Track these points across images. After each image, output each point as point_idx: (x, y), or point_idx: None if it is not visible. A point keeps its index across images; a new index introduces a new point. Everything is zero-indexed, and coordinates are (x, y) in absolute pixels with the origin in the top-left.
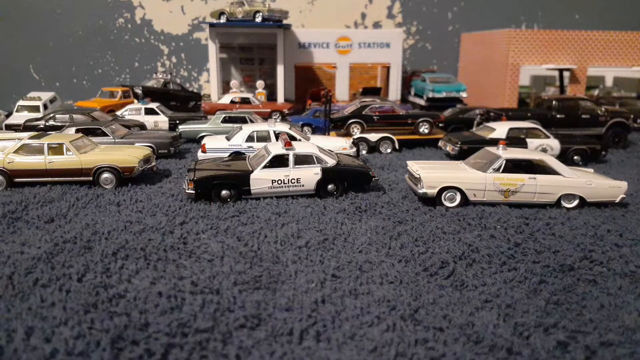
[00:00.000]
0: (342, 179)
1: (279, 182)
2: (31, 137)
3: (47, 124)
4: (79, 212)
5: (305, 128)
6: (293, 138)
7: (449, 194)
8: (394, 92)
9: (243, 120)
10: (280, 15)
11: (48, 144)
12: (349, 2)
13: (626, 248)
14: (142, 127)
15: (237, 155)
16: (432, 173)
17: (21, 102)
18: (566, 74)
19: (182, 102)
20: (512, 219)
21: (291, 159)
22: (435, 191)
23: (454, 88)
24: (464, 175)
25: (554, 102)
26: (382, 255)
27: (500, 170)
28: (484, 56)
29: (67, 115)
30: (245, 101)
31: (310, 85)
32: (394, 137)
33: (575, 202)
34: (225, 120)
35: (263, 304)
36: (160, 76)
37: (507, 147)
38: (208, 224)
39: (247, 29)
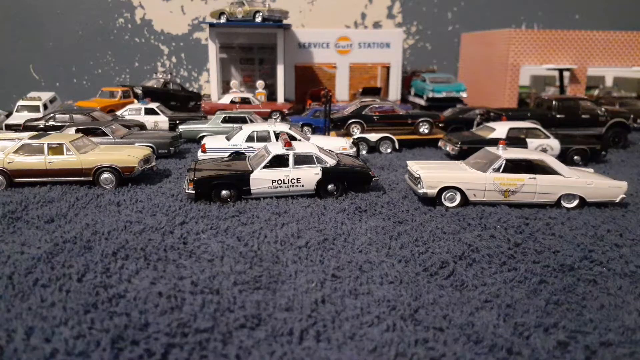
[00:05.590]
0: (342, 179)
1: (279, 182)
2: (31, 137)
3: (47, 124)
4: (79, 212)
5: (305, 128)
6: (293, 138)
7: (449, 194)
8: (394, 92)
9: (243, 120)
10: (280, 15)
11: (48, 144)
12: (349, 2)
13: (626, 248)
14: (142, 127)
15: (237, 155)
16: (432, 173)
17: (21, 102)
18: (566, 74)
19: (182, 102)
20: (512, 219)
21: (291, 159)
22: (435, 191)
23: (454, 88)
24: (464, 175)
25: (554, 102)
26: (382, 255)
27: (500, 170)
28: (484, 56)
29: (67, 115)
30: (245, 101)
31: (310, 85)
32: (394, 137)
33: (575, 202)
34: (225, 120)
35: (263, 304)
36: (160, 76)
37: (507, 147)
38: (208, 224)
39: (247, 29)
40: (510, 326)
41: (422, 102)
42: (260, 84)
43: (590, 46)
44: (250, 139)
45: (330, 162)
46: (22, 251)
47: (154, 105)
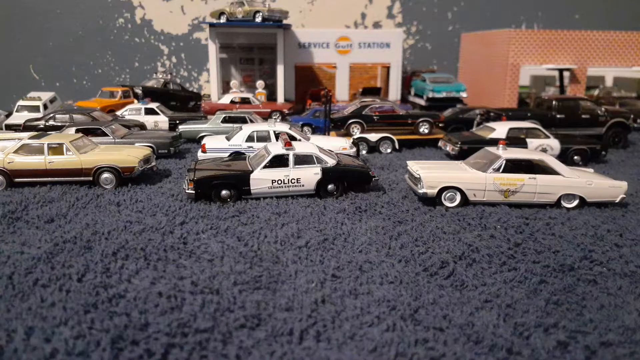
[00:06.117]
0: (342, 179)
1: (279, 182)
2: (31, 137)
3: (47, 124)
4: (79, 212)
5: (305, 128)
6: (293, 138)
7: (449, 194)
8: (394, 92)
9: (243, 120)
10: (280, 15)
11: (48, 144)
12: (349, 2)
13: (626, 248)
14: (142, 127)
15: (237, 155)
16: (432, 173)
17: (21, 102)
18: (566, 74)
19: (182, 102)
20: (512, 219)
21: (291, 159)
22: (435, 191)
23: (454, 88)
24: (464, 175)
25: (554, 102)
26: (382, 255)
27: (500, 170)
28: (484, 56)
29: (67, 115)
30: (245, 101)
31: (310, 85)
32: (394, 137)
33: (575, 202)
34: (225, 120)
35: (263, 304)
36: (160, 76)
37: (507, 147)
38: (208, 224)
39: (247, 29)
40: (510, 326)
41: (422, 102)
42: (260, 84)
43: (590, 46)
44: (250, 139)
45: (330, 162)
46: (22, 251)
47: (154, 105)
